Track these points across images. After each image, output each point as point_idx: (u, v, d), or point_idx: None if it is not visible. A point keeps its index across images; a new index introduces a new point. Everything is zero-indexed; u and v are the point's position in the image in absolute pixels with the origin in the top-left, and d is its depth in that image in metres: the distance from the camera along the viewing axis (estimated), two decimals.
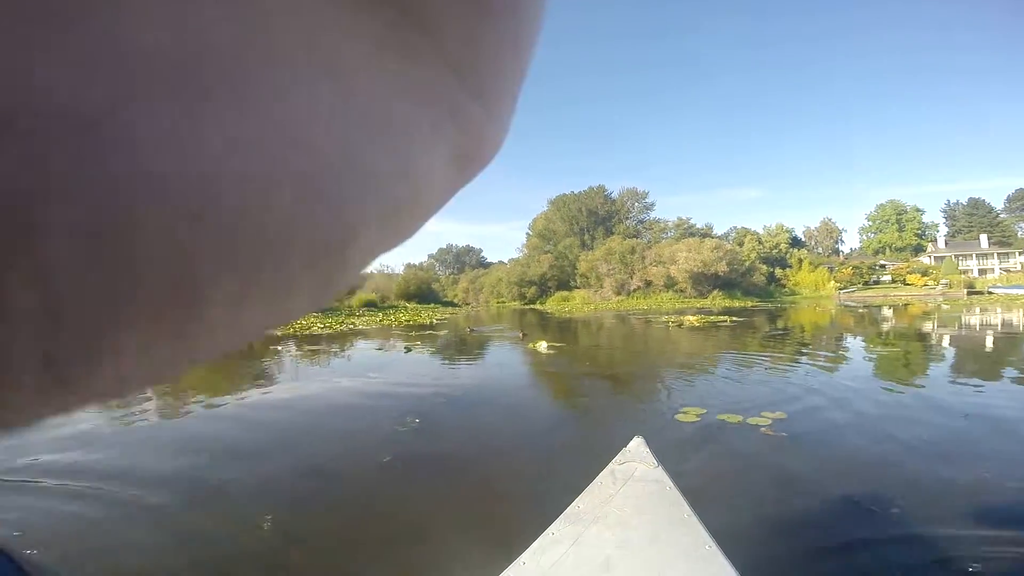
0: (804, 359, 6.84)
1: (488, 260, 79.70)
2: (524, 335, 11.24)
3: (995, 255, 55.15)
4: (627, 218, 49.20)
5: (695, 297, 35.90)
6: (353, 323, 17.71)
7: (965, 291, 39.17)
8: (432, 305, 43.59)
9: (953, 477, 2.46)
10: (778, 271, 45.61)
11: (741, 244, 46.39)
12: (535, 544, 1.12)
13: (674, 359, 7.78)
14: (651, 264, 38.00)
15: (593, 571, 1.02)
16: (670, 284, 36.93)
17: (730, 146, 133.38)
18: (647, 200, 49.34)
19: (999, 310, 17.33)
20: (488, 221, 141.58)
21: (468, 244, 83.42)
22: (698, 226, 47.78)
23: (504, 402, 4.64)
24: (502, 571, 1.05)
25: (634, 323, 16.10)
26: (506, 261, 65.52)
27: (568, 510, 1.22)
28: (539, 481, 2.54)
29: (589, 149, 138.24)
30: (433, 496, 2.49)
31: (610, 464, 1.41)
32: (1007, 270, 53.33)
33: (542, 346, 8.88)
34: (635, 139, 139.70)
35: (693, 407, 4.01)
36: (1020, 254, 54.63)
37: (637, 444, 1.49)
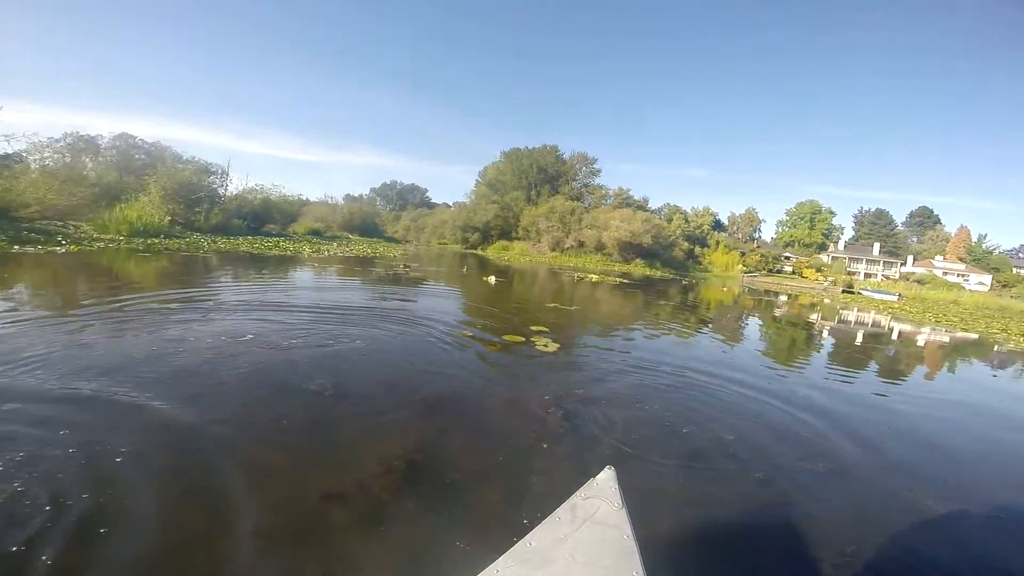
0: (640, 312, 12.49)
1: (432, 200, 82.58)
2: (467, 270, 16.73)
3: (881, 263, 67.22)
4: (573, 180, 54.17)
5: (620, 262, 42.36)
6: (346, 250, 21.81)
7: (841, 289, 48.81)
8: (375, 239, 46.89)
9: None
10: (697, 249, 53.54)
11: (670, 220, 53.61)
12: None
13: (566, 292, 13.44)
14: (586, 227, 43.77)
15: None
16: (599, 248, 43.04)
17: (686, 123, 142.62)
18: (595, 166, 54.56)
19: (845, 309, 24.82)
20: (437, 161, 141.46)
21: (413, 182, 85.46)
22: (636, 198, 54.10)
23: (487, 292, 10.08)
24: None
25: (557, 274, 21.78)
26: (451, 204, 69.02)
27: (518, 546, 1.19)
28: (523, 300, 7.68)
29: (549, 108, 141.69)
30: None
31: (574, 496, 1.38)
32: (887, 277, 65.59)
33: (492, 279, 14.48)
34: (596, 104, 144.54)
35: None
36: (901, 265, 67.12)
37: (607, 478, 1.45)
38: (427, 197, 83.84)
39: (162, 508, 2.11)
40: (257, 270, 11.54)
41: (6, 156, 26.26)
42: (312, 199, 54.58)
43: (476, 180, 61.50)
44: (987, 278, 56.03)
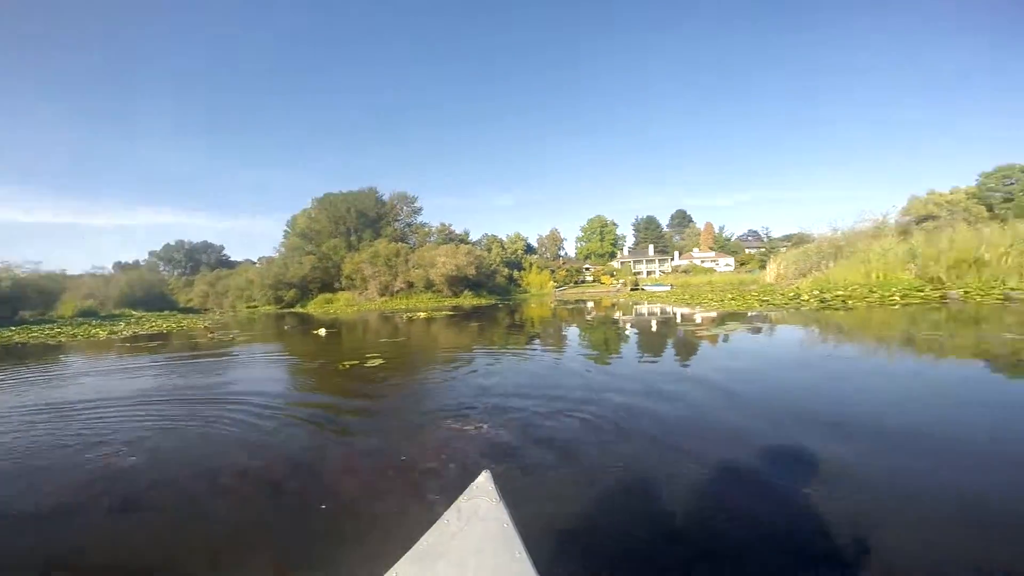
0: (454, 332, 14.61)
1: (232, 259, 74.47)
2: (289, 328, 17.03)
3: (656, 260, 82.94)
4: (396, 220, 55.35)
5: (450, 296, 44.75)
6: (141, 328, 19.11)
7: (629, 288, 58.95)
8: (166, 311, 40.99)
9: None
10: (515, 273, 59.50)
11: (489, 250, 58.71)
12: None
13: (399, 330, 14.95)
14: (413, 267, 45.33)
15: None
16: (429, 285, 44.96)
17: (491, 155, 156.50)
18: (416, 204, 56.74)
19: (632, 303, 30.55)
20: (232, 214, 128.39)
21: (205, 240, 76.08)
22: (458, 232, 57.90)
23: (320, 342, 10.92)
24: None
25: (389, 318, 22.85)
26: (255, 260, 63.71)
27: (413, 550, 1.32)
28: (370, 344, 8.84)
29: (361, 149, 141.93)
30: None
31: (457, 500, 1.56)
32: (663, 272, 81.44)
33: (322, 331, 14.83)
34: (407, 140, 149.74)
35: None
36: (671, 260, 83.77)
37: (484, 480, 1.64)
38: (225, 255, 75.28)
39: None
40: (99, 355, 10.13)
41: None
42: (76, 273, 45.34)
43: (284, 230, 58.43)
44: (731, 260, 73.68)
